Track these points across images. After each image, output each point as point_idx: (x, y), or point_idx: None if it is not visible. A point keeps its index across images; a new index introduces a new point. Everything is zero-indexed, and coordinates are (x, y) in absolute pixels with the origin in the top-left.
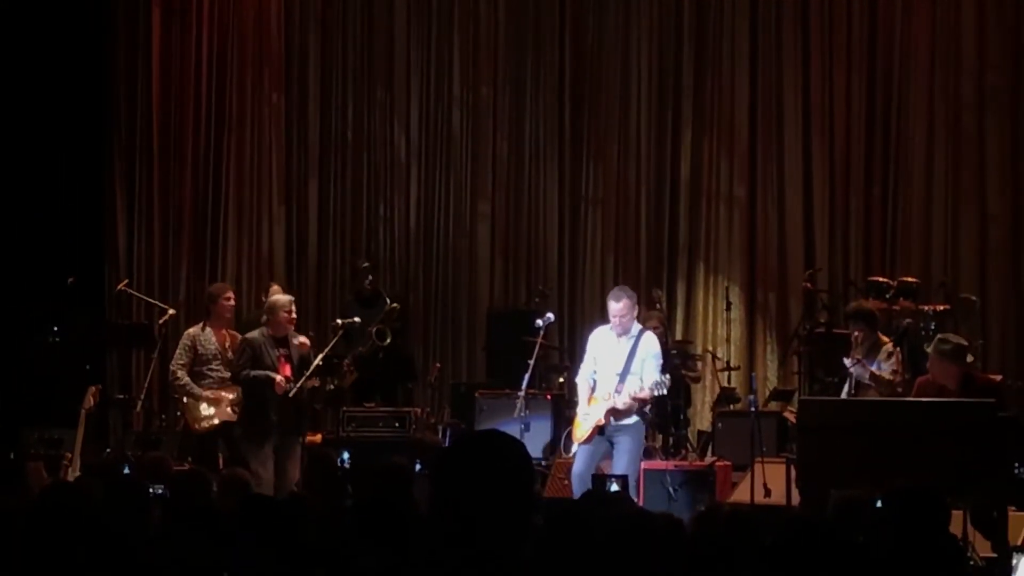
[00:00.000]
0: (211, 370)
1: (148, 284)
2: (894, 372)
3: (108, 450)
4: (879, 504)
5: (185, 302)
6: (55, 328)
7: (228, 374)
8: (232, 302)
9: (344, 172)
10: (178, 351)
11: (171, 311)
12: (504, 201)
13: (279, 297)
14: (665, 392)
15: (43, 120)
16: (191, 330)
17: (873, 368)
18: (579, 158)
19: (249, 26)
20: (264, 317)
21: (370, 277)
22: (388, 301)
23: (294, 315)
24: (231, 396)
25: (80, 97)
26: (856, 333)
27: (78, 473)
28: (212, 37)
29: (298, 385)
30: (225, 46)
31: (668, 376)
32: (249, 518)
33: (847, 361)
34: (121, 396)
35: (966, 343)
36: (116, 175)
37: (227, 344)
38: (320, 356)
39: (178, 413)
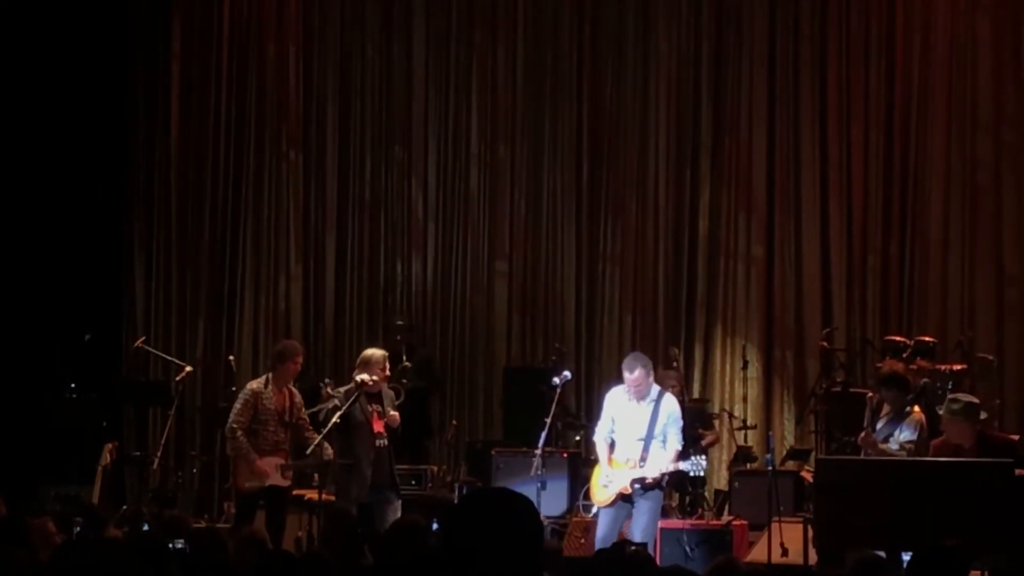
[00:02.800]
0: (268, 431)
1: (165, 341)
2: (907, 445)
3: (124, 507)
4: (906, 565)
5: (202, 359)
6: (72, 384)
7: (284, 435)
8: (300, 366)
9: (361, 229)
10: (239, 406)
11: (188, 368)
12: (521, 258)
13: (375, 352)
14: (702, 474)
15: (62, 177)
16: (254, 385)
17: (896, 434)
18: (597, 215)
19: (268, 83)
20: (356, 372)
21: (398, 337)
22: (403, 359)
23: (385, 367)
24: (282, 461)
25: (99, 154)
26: (870, 395)
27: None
28: (231, 94)
29: (313, 445)
30: (244, 103)
31: (704, 458)
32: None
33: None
34: (137, 453)
35: (977, 401)
36: (134, 231)
37: (286, 404)
38: (338, 415)
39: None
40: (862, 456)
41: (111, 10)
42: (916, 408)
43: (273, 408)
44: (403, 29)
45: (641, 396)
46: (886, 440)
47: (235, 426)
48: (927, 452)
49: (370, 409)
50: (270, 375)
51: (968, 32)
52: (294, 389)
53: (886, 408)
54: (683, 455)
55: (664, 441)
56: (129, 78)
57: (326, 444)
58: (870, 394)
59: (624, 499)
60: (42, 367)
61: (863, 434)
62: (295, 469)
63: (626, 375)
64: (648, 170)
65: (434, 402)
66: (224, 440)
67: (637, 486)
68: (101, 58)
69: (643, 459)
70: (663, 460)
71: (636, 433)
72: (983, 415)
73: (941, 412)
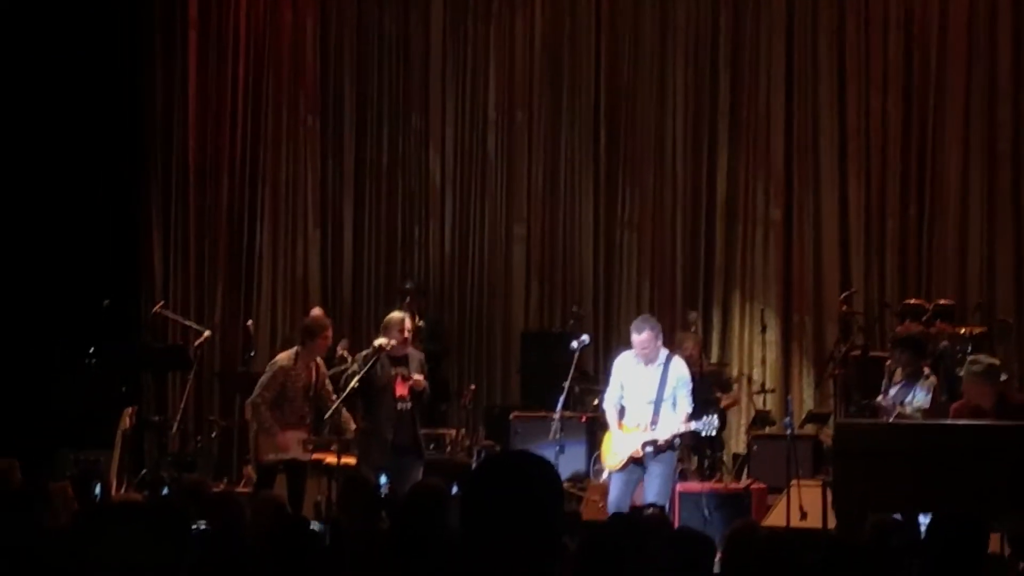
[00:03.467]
0: (294, 406)
1: (183, 306)
2: (924, 410)
3: (144, 471)
4: (925, 532)
5: (220, 324)
6: (91, 350)
7: (309, 409)
8: (329, 340)
9: (379, 195)
10: (265, 380)
11: (206, 333)
12: (539, 224)
13: (393, 315)
14: (714, 433)
15: (79, 143)
16: (283, 362)
17: (909, 398)
18: (615, 180)
19: (285, 49)
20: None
21: (408, 299)
22: (416, 319)
23: (407, 333)
24: (304, 435)
25: (116, 121)
26: (889, 362)
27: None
28: (248, 60)
29: (331, 411)
30: (261, 69)
31: (716, 417)
32: (282, 542)
33: (881, 399)
34: (157, 418)
35: (998, 363)
36: (152, 197)
37: (312, 379)
38: (356, 379)
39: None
40: (880, 419)
41: None
42: (927, 369)
43: (301, 384)
44: None
45: (649, 359)
46: (902, 404)
47: (259, 400)
48: (940, 415)
49: (393, 373)
50: (299, 350)
51: None
52: (320, 361)
53: (899, 373)
54: (695, 416)
55: (674, 404)
56: (146, 45)
57: (348, 418)
58: (888, 362)
59: (636, 463)
60: (61, 333)
61: (880, 398)
62: (317, 445)
63: (634, 336)
64: (666, 134)
65: (450, 366)
66: (244, 408)
67: (649, 449)
68: (119, 25)
69: (654, 422)
70: (674, 422)
71: (646, 396)
72: (1003, 377)
73: (961, 374)
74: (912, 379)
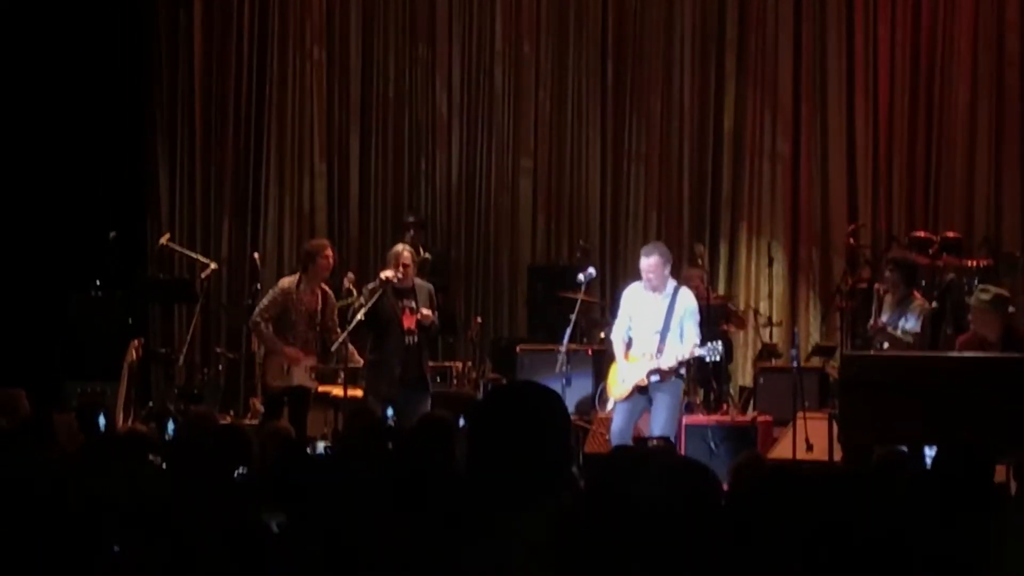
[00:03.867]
0: (298, 331)
1: (190, 239)
2: (915, 334)
3: (151, 403)
4: (931, 463)
5: (227, 257)
6: (97, 282)
7: (314, 336)
8: (331, 260)
9: (385, 128)
10: (265, 302)
11: (213, 265)
12: (546, 156)
13: (395, 247)
14: (718, 359)
15: (87, 75)
16: (285, 284)
17: (901, 323)
18: (622, 113)
19: None
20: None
21: (412, 232)
22: (421, 252)
23: (404, 262)
24: (311, 361)
25: (123, 54)
26: (877, 286)
27: (124, 426)
28: None
29: (338, 342)
30: (267, 1)
31: (719, 343)
32: (287, 473)
33: (872, 324)
34: (163, 350)
35: (1007, 294)
36: (158, 129)
37: (317, 305)
38: (362, 311)
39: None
40: (873, 347)
41: None
42: (918, 295)
43: (305, 309)
44: None
45: (656, 288)
46: (893, 328)
47: (258, 319)
48: (931, 341)
49: (400, 305)
50: (301, 275)
51: None
52: (327, 289)
53: (890, 298)
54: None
55: (681, 335)
56: None
57: (353, 351)
58: (877, 285)
59: (641, 392)
60: (67, 265)
61: (871, 322)
62: (323, 371)
63: (642, 260)
64: (673, 67)
65: (456, 299)
66: (250, 336)
67: (654, 378)
68: None
69: (659, 351)
70: (680, 350)
71: (653, 326)
72: (1011, 309)
73: (971, 302)
74: (903, 304)
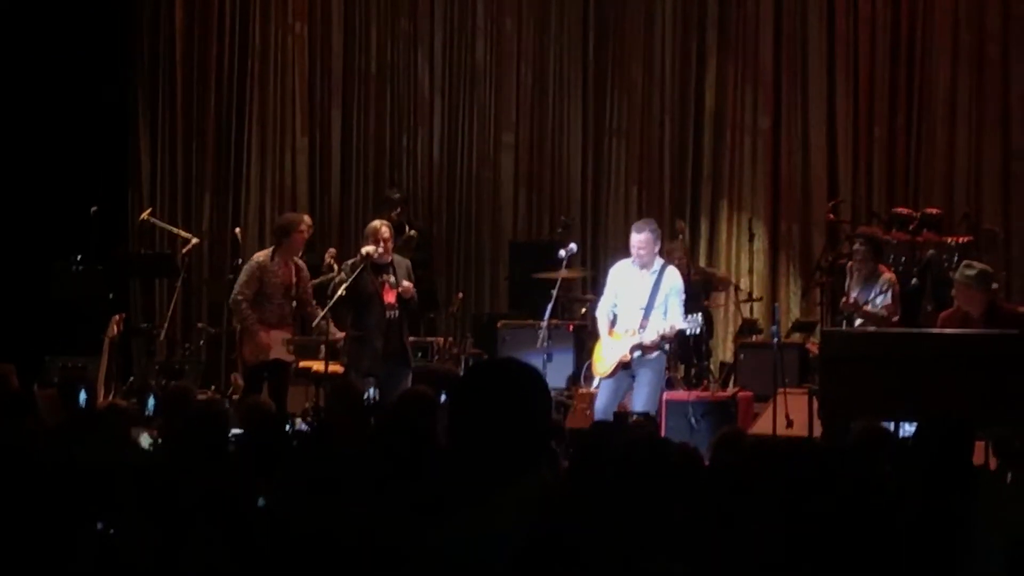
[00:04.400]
0: (274, 304)
1: (171, 213)
2: (886, 307)
3: (131, 379)
4: (912, 438)
5: (209, 231)
6: (78, 257)
7: (289, 309)
8: (305, 234)
9: (367, 103)
10: (243, 278)
11: (194, 240)
12: (527, 132)
13: (373, 223)
14: (698, 331)
15: (67, 47)
16: (260, 258)
17: (873, 298)
18: (603, 88)
19: None
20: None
21: (399, 209)
22: (407, 229)
23: (383, 237)
24: (288, 335)
25: (104, 26)
26: (849, 264)
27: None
28: None
29: (319, 318)
30: None
31: (700, 315)
32: (268, 447)
33: (843, 307)
34: (144, 325)
35: (991, 270)
36: (140, 104)
37: (292, 278)
38: (343, 287)
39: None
40: (844, 323)
41: None
42: (884, 268)
43: (279, 281)
44: None
45: (644, 263)
46: (866, 303)
47: (239, 298)
48: (934, 322)
49: (380, 280)
50: (275, 248)
51: None
52: (300, 263)
53: (856, 274)
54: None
55: (665, 312)
56: None
57: (332, 325)
58: (849, 263)
59: (625, 369)
60: (49, 240)
61: (844, 300)
62: (299, 344)
63: (633, 236)
64: (654, 42)
65: (436, 274)
66: (231, 312)
67: (637, 353)
68: None
69: (642, 327)
70: (662, 325)
71: (638, 302)
72: (994, 286)
73: (955, 277)
74: (871, 279)
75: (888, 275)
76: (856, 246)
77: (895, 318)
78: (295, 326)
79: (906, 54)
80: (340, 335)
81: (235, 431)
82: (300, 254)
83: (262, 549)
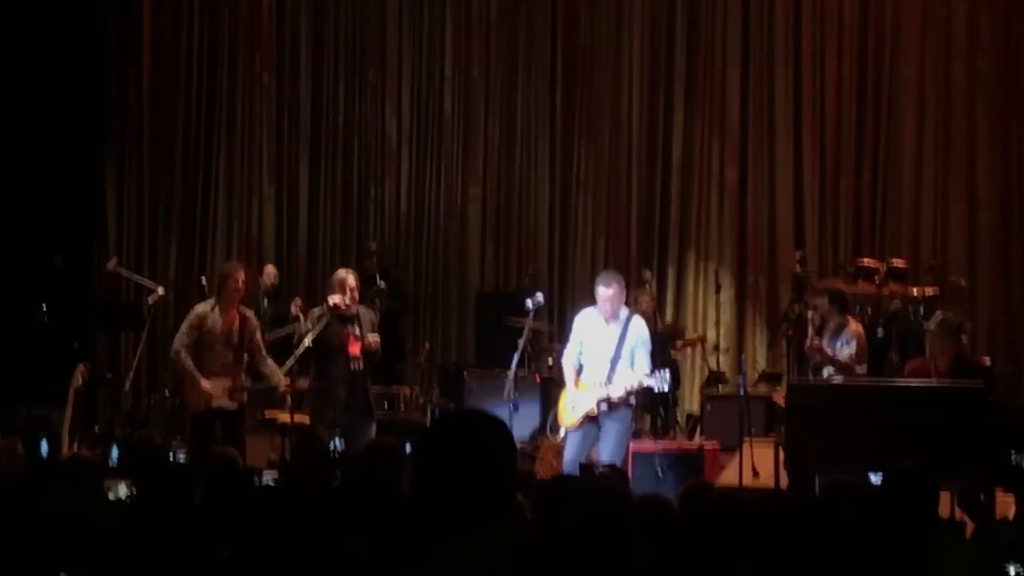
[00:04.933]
0: (213, 353)
1: (137, 263)
2: (851, 357)
3: (96, 428)
4: (877, 485)
5: (175, 282)
6: (43, 307)
7: (234, 358)
8: (242, 284)
9: (335, 153)
10: (183, 328)
11: (160, 291)
12: (495, 183)
13: (339, 272)
14: (666, 389)
15: (35, 100)
16: (200, 308)
17: (839, 348)
18: (570, 140)
19: (241, 4)
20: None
21: (374, 260)
22: (377, 280)
23: (350, 286)
24: (229, 383)
25: (73, 76)
26: (811, 312)
27: (69, 451)
28: (204, 15)
29: (288, 365)
30: (216, 25)
31: (667, 371)
32: (231, 499)
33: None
34: (110, 375)
35: (958, 321)
36: (106, 153)
37: (234, 327)
38: (310, 336)
39: (171, 395)
40: (812, 367)
41: None
42: (851, 320)
43: (220, 331)
44: None
45: (612, 315)
46: (834, 354)
47: (178, 347)
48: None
49: (345, 332)
50: (216, 299)
51: None
52: (248, 312)
53: (819, 323)
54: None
55: (632, 363)
56: (101, 1)
57: (276, 371)
58: (811, 312)
59: (591, 421)
60: (13, 289)
61: (808, 343)
62: (240, 392)
63: (601, 290)
64: (622, 95)
65: (407, 325)
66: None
67: (604, 406)
68: None
69: (609, 379)
70: (629, 380)
71: (605, 354)
72: (964, 338)
73: (931, 327)
74: (838, 331)
75: (855, 326)
76: (825, 304)
77: (860, 367)
78: (247, 375)
79: (872, 107)
80: (285, 383)
81: None
82: (241, 302)
83: None
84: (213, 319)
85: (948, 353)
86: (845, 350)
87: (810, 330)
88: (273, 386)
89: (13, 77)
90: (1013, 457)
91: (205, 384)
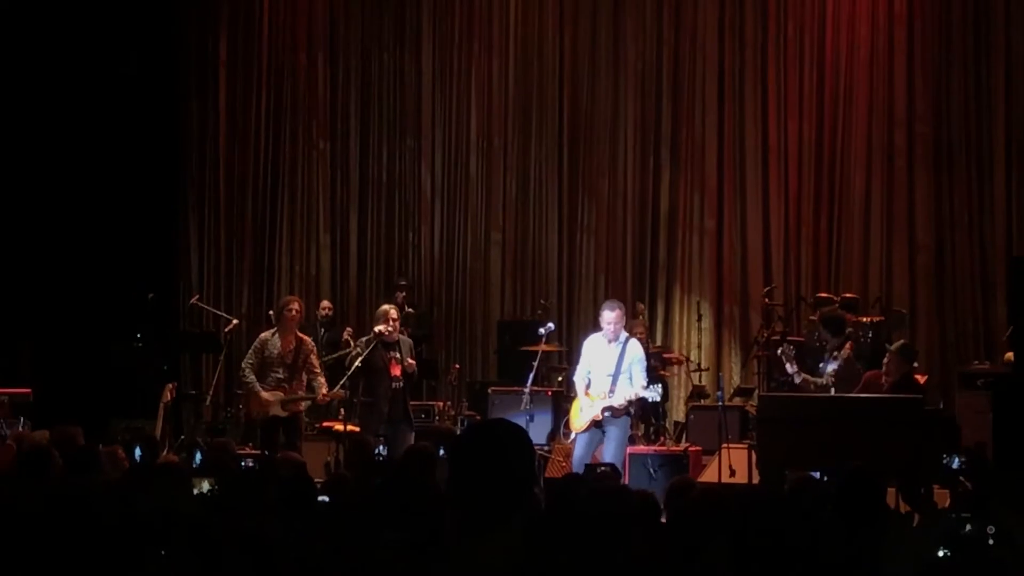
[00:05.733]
0: (273, 371)
1: (215, 298)
2: (830, 376)
3: (182, 436)
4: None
5: (247, 314)
6: (138, 335)
7: (289, 376)
8: (295, 312)
9: (380, 206)
10: (250, 352)
11: (235, 321)
12: (512, 230)
13: (383, 306)
14: (658, 399)
15: (129, 164)
16: (264, 335)
17: (830, 366)
18: (575, 195)
19: (300, 84)
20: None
21: (403, 294)
22: (404, 307)
23: (392, 317)
24: (282, 396)
25: (160, 145)
26: (780, 351)
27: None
28: (269, 93)
29: (334, 390)
30: (280, 101)
31: (660, 385)
32: (294, 493)
33: (789, 369)
34: (193, 392)
35: (912, 347)
36: (190, 207)
37: (290, 349)
38: (358, 361)
39: (240, 406)
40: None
41: (166, 21)
42: (847, 346)
43: (278, 354)
44: (413, 39)
45: (614, 336)
46: (820, 375)
47: (244, 366)
48: (850, 377)
49: (388, 356)
50: (277, 326)
51: (886, 43)
52: (305, 338)
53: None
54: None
55: (631, 377)
56: (184, 79)
57: (320, 386)
58: (780, 350)
59: (596, 425)
60: (113, 321)
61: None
62: (290, 403)
63: (606, 314)
64: (618, 157)
65: (437, 348)
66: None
67: (607, 413)
68: (161, 63)
69: (611, 391)
70: (627, 391)
71: (607, 370)
72: (915, 363)
73: (892, 349)
74: (834, 352)
75: (846, 352)
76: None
77: (831, 383)
78: (292, 387)
79: (828, 165)
80: (322, 394)
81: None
82: (297, 329)
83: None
84: (273, 343)
85: (900, 371)
86: (828, 367)
87: (788, 367)
88: (313, 396)
89: (112, 149)
90: (945, 458)
91: (264, 394)
